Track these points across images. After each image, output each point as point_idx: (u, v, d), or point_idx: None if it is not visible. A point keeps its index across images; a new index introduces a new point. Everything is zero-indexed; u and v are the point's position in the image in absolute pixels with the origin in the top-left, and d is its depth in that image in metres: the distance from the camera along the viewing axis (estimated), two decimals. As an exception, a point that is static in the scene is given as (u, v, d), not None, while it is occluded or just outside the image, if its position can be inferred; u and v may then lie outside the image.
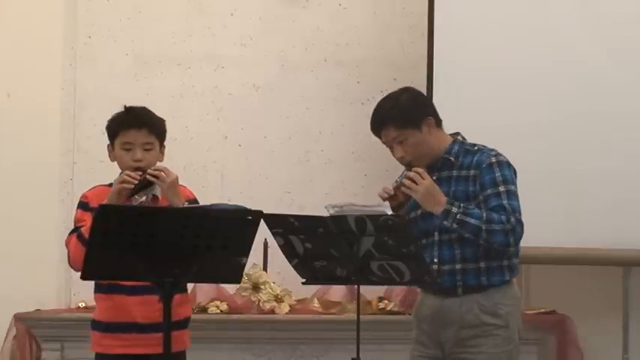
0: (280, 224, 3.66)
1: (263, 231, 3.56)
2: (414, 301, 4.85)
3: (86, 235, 3.55)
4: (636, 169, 5.28)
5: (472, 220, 3.73)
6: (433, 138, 3.90)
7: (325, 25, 5.83)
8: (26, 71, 5.68)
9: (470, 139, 3.98)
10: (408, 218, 3.88)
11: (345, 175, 5.78)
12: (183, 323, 3.95)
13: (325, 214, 3.69)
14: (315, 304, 5.43)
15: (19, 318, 5.36)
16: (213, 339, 5.22)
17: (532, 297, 5.42)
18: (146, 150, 3.92)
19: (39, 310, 5.48)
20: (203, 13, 5.83)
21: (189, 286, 4.78)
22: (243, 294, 5.38)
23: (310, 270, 3.73)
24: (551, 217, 5.11)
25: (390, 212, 3.74)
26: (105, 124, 4.05)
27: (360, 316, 3.73)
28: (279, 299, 5.37)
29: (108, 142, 4.00)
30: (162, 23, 5.81)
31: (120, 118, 4.00)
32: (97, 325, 3.95)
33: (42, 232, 5.55)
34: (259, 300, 5.37)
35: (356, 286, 3.77)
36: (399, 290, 5.39)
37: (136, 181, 3.81)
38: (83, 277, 3.38)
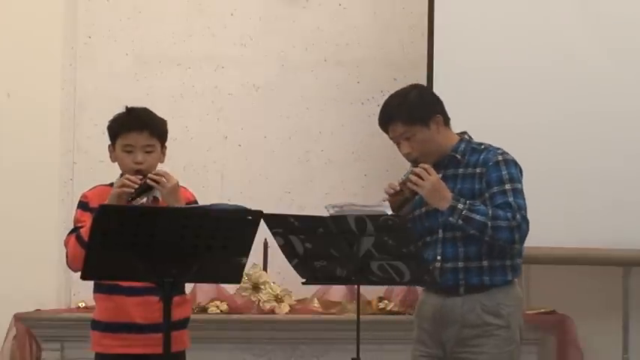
0: (280, 224, 3.66)
1: (263, 231, 3.56)
2: (414, 301, 4.85)
3: (85, 238, 3.55)
4: (636, 169, 5.28)
5: (478, 217, 3.74)
6: (441, 136, 3.91)
7: (325, 25, 5.83)
8: (26, 71, 5.68)
9: (471, 139, 4.00)
10: (411, 216, 3.90)
11: (345, 175, 5.78)
12: (183, 323, 3.95)
13: (325, 214, 3.69)
14: (315, 304, 5.43)
15: (19, 318, 5.36)
16: (213, 339, 5.22)
17: (532, 297, 5.42)
18: (147, 152, 3.91)
19: (39, 310, 5.48)
20: (203, 13, 5.83)
21: (189, 286, 4.80)
22: (243, 294, 5.38)
23: (310, 270, 3.73)
24: (551, 217, 5.11)
25: (390, 212, 3.74)
26: (105, 124, 4.04)
27: (360, 316, 3.73)
28: (279, 299, 5.37)
29: (109, 142, 3.99)
30: (162, 23, 5.81)
31: (121, 119, 3.99)
32: (96, 325, 3.95)
33: (42, 232, 5.55)
34: (259, 300, 5.37)
35: (356, 286, 3.78)
36: (399, 290, 5.39)
37: (136, 186, 3.80)
38: (83, 277, 3.38)
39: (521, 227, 3.76)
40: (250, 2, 5.85)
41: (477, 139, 4.00)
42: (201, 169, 5.72)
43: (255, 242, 3.42)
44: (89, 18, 5.80)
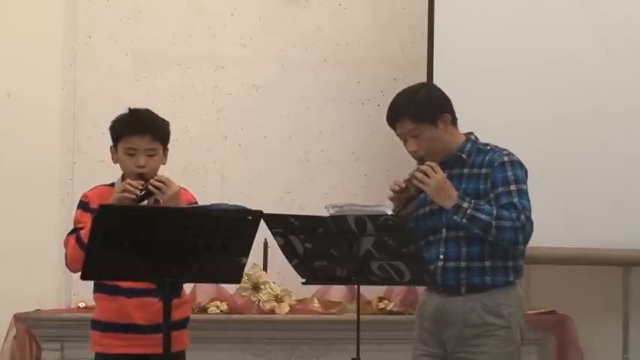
0: (280, 224, 3.66)
1: (263, 231, 3.56)
2: (414, 301, 4.86)
3: (85, 240, 3.55)
4: (636, 170, 5.28)
5: (482, 216, 3.74)
6: (448, 135, 3.91)
7: (325, 25, 5.83)
8: (26, 71, 5.68)
9: (472, 140, 4.00)
10: (415, 215, 3.90)
11: (345, 175, 5.78)
12: (183, 323, 3.95)
13: (325, 214, 3.69)
14: (315, 304, 5.43)
15: (19, 318, 5.36)
16: (213, 339, 5.22)
17: (532, 297, 5.41)
18: (149, 156, 3.90)
19: (39, 310, 5.48)
20: (203, 13, 5.82)
21: (189, 286, 4.80)
22: (243, 294, 5.38)
23: (310, 270, 3.73)
24: (551, 217, 5.10)
25: (390, 212, 3.74)
26: (105, 124, 4.04)
27: (360, 316, 3.73)
28: (279, 299, 5.37)
29: (110, 142, 3.97)
30: (163, 23, 5.81)
31: (124, 120, 3.96)
32: (96, 325, 3.95)
33: (42, 232, 5.55)
34: (259, 300, 5.37)
35: (356, 286, 3.78)
36: (399, 290, 5.39)
37: (138, 192, 3.79)
38: (83, 277, 3.38)
39: (526, 228, 3.77)
40: (250, 2, 5.85)
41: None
42: (201, 169, 5.72)
43: (255, 242, 3.41)
44: (89, 18, 5.80)
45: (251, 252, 3.42)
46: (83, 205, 3.94)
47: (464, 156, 3.91)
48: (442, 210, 3.83)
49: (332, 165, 5.80)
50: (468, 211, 3.75)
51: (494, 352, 3.81)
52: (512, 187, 3.81)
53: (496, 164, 3.85)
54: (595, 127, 5.30)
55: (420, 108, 3.87)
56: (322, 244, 3.64)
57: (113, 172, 4.01)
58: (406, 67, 5.68)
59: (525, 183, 3.86)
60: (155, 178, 3.83)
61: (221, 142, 5.79)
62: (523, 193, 3.82)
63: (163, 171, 3.95)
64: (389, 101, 3.98)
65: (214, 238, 3.33)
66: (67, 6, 5.78)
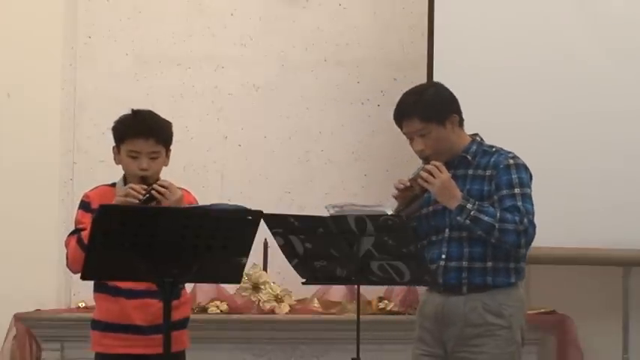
0: (280, 224, 3.66)
1: (263, 231, 3.56)
2: (414, 301, 4.85)
3: (86, 241, 3.55)
4: (636, 170, 5.28)
5: (486, 218, 3.74)
6: (455, 136, 3.91)
7: (325, 25, 5.83)
8: (26, 71, 5.68)
9: (471, 140, 4.00)
10: (418, 215, 3.90)
11: (345, 175, 5.78)
12: (183, 323, 3.95)
13: (325, 214, 3.69)
14: (315, 304, 5.43)
15: (19, 318, 5.36)
16: (213, 339, 5.23)
17: (532, 297, 5.41)
18: (152, 159, 3.89)
19: (39, 310, 5.48)
20: (203, 13, 5.82)
21: (190, 286, 4.80)
22: (243, 294, 5.38)
23: (310, 270, 3.73)
24: (551, 217, 5.07)
25: (390, 212, 3.74)
26: (105, 124, 4.04)
27: (360, 316, 3.73)
28: (279, 299, 5.37)
29: (113, 143, 3.96)
30: (163, 23, 5.81)
31: (127, 122, 3.95)
32: (96, 325, 3.95)
33: (42, 232, 5.55)
34: (259, 300, 5.37)
35: (356, 286, 3.78)
36: (399, 290, 5.39)
37: (141, 196, 3.78)
38: (83, 278, 3.39)
39: (528, 231, 3.77)
40: (250, 2, 5.85)
41: (477, 139, 4.01)
42: (201, 169, 5.72)
43: (255, 242, 3.42)
44: (89, 18, 5.80)
45: (251, 252, 3.42)
46: (84, 206, 3.94)
47: (469, 157, 3.91)
48: (445, 210, 3.83)
49: (332, 165, 5.80)
50: (472, 213, 3.75)
51: (495, 352, 3.81)
52: (517, 190, 3.81)
53: (501, 167, 3.85)
54: (595, 127, 5.30)
55: (429, 107, 3.86)
56: (322, 244, 3.64)
57: (113, 172, 4.01)
58: (406, 67, 5.68)
59: (530, 187, 3.85)
60: (158, 183, 3.82)
61: (221, 142, 5.79)
62: (527, 197, 3.82)
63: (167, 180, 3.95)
64: (389, 101, 3.98)
65: (214, 238, 3.33)
66: (67, 6, 5.78)
